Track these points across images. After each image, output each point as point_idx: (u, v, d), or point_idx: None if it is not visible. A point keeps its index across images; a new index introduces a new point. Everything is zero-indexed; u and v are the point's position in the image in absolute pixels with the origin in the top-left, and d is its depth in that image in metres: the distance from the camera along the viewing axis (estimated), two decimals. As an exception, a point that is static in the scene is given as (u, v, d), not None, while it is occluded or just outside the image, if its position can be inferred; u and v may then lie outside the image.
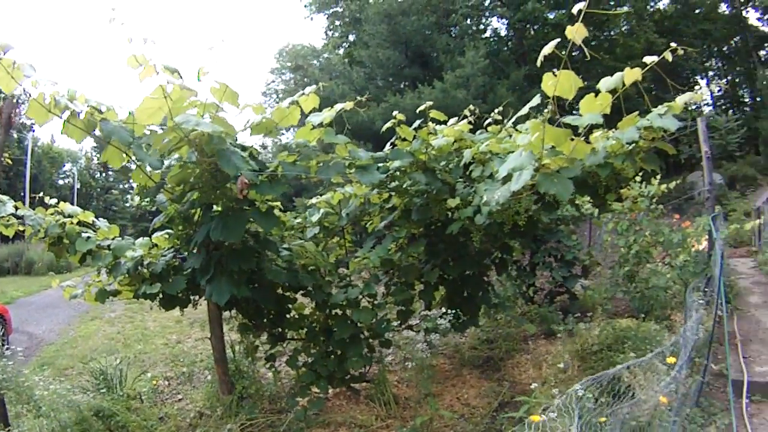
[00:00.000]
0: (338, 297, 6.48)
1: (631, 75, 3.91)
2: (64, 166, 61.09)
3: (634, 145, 5.04)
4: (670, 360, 4.98)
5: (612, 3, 34.76)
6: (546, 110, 4.05)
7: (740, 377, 6.91)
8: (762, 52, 39.38)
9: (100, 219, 6.64)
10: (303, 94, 5.35)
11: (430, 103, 5.90)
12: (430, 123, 6.06)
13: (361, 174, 5.48)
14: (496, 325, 8.73)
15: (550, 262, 10.96)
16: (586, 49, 3.48)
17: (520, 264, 11.28)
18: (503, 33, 41.24)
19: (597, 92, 4.13)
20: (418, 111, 5.89)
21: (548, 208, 6.32)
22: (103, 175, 60.98)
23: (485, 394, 6.92)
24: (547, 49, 3.61)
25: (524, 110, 4.98)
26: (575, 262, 11.13)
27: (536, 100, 4.67)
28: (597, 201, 6.19)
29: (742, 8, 38.66)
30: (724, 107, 38.89)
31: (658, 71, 3.95)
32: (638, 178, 10.58)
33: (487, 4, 39.47)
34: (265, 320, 7.03)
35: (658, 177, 10.73)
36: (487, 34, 41.05)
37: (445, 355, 8.73)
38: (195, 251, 5.94)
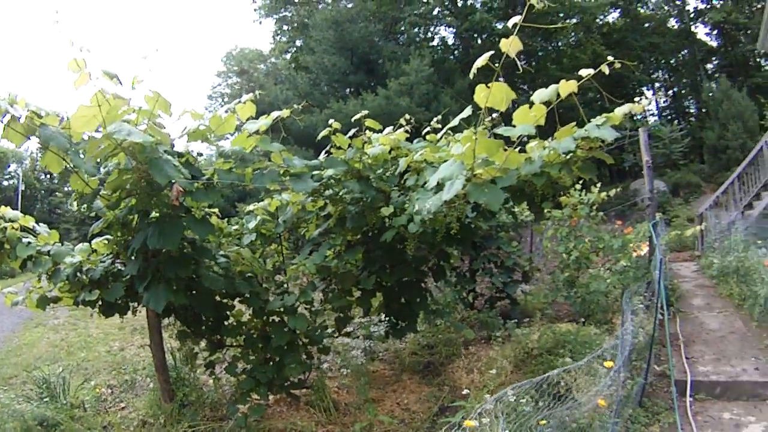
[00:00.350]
0: (275, 304, 6.50)
1: (566, 87, 3.97)
2: (9, 166, 59.73)
3: (571, 154, 5.10)
4: (608, 364, 5.11)
5: (561, 15, 35.25)
6: (486, 121, 4.11)
7: (684, 377, 7.13)
8: (709, 66, 40.45)
9: (40, 224, 6.52)
10: (239, 101, 5.37)
11: (366, 112, 5.97)
12: (367, 132, 6.12)
13: (295, 182, 5.51)
14: (436, 330, 8.80)
15: (490, 268, 11.05)
16: (519, 62, 3.56)
17: (459, 270, 11.36)
18: (450, 42, 41.58)
19: (531, 104, 4.18)
20: (353, 119, 5.93)
21: (485, 216, 6.43)
22: (48, 177, 59.73)
23: (425, 399, 6.99)
24: (480, 62, 3.69)
25: (455, 122, 5.04)
26: (515, 268, 11.24)
27: (467, 112, 4.74)
28: (534, 208, 6.30)
29: (692, 23, 39.61)
30: (669, 117, 39.71)
31: (596, 84, 4.04)
32: (578, 186, 10.80)
33: (435, 13, 39.79)
34: (203, 327, 7.00)
35: (599, 185, 10.95)
36: (435, 42, 41.43)
37: (386, 360, 8.79)
38: (133, 258, 5.89)
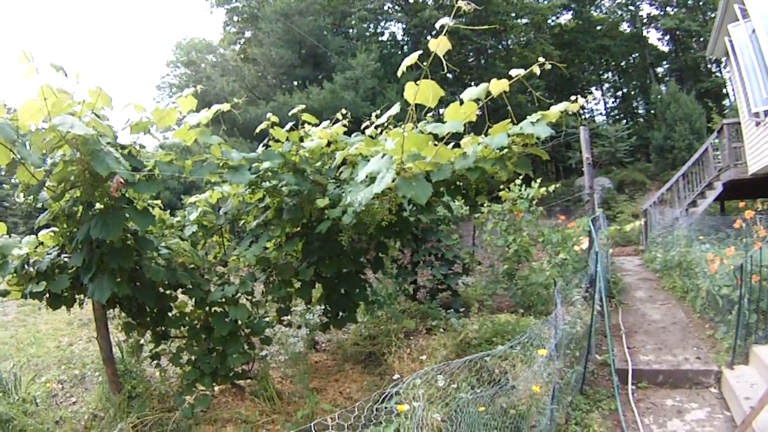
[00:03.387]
0: (216, 294, 6.58)
1: (497, 86, 4.04)
2: (-48, 160, 58.12)
3: (506, 150, 5.24)
4: (541, 352, 5.26)
5: (513, 15, 35.62)
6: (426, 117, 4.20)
7: (625, 366, 7.40)
8: (659, 69, 41.24)
9: (-15, 217, 6.57)
10: (181, 95, 5.45)
11: (303, 106, 6.06)
12: (306, 125, 6.24)
13: (232, 174, 5.60)
14: (378, 322, 8.93)
15: (431, 260, 11.31)
16: (447, 62, 3.60)
17: (401, 262, 11.63)
18: (399, 37, 41.69)
19: (462, 101, 4.22)
20: (291, 113, 6.05)
21: (425, 209, 6.58)
22: (-8, 171, 58.30)
23: (367, 388, 7.13)
24: (408, 61, 3.77)
25: (383, 119, 5.15)
26: (456, 261, 11.50)
27: (395, 109, 4.84)
28: (468, 202, 6.45)
29: (644, 28, 40.32)
30: (617, 117, 40.53)
31: (544, 83, 4.18)
32: (518, 181, 11.05)
33: (386, 8, 39.91)
34: (148, 319, 7.06)
35: (539, 180, 11.21)
36: (384, 37, 41.55)
37: (329, 351, 8.99)
38: (78, 250, 5.91)
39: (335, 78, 28.39)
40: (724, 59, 19.99)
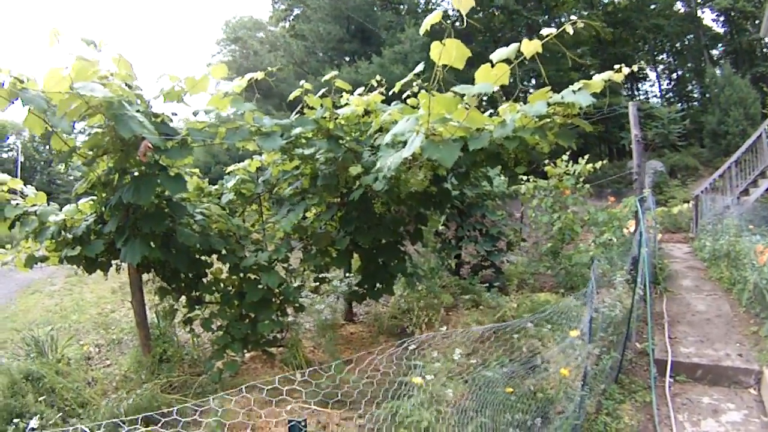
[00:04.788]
0: (249, 260, 6.58)
1: (529, 46, 3.89)
2: (7, 138, 59.62)
3: (547, 120, 5.11)
4: (573, 333, 5.07)
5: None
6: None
7: (664, 357, 7.10)
8: (714, 52, 39.99)
9: (28, 186, 6.74)
10: (212, 65, 5.50)
11: (336, 73, 5.98)
12: (345, 94, 6.16)
13: (263, 140, 5.58)
14: (418, 296, 8.82)
15: (476, 235, 11.12)
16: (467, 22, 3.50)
17: (445, 237, 11.46)
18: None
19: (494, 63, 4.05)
20: (323, 80, 5.95)
21: (459, 178, 6.46)
22: (47, 148, 59.64)
23: (398, 362, 7.05)
24: (431, 20, 3.65)
25: (408, 77, 5.02)
26: (500, 237, 11.29)
27: (420, 67, 4.73)
28: (507, 173, 6.30)
29: (698, 8, 39.16)
30: (672, 101, 39.43)
31: (577, 62, 4.01)
32: (565, 157, 10.81)
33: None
34: (182, 284, 7.17)
35: (586, 156, 10.96)
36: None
37: (365, 323, 8.92)
38: (114, 215, 6.06)
39: (384, 52, 28.16)
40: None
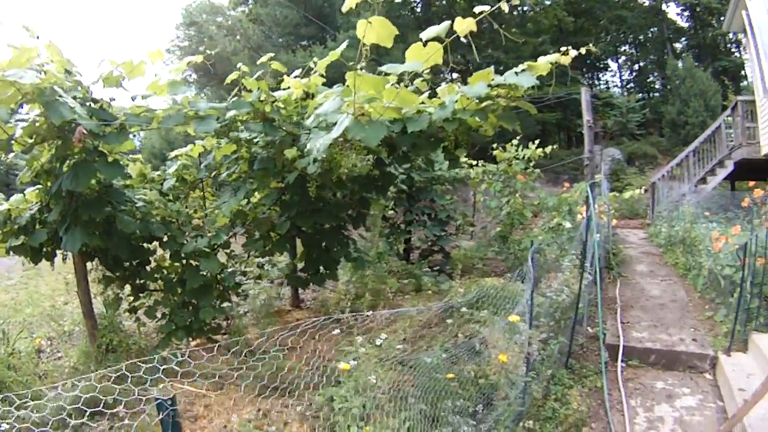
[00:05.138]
0: (189, 247, 6.50)
1: (462, 24, 3.75)
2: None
3: (489, 102, 5.08)
4: (513, 318, 5.01)
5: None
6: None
7: (616, 342, 7.13)
8: (677, 45, 40.40)
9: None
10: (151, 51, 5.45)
11: (272, 54, 5.92)
12: (285, 77, 6.09)
13: (198, 124, 5.52)
14: (366, 281, 8.78)
15: (424, 220, 11.11)
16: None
17: (393, 221, 11.45)
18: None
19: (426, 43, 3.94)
20: (258, 63, 5.87)
21: (399, 160, 6.42)
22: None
23: (341, 348, 6.98)
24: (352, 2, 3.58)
25: (328, 58, 4.95)
26: (449, 221, 11.32)
27: (344, 45, 4.67)
28: (448, 156, 6.27)
29: (663, 1, 39.46)
30: (632, 90, 39.79)
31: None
32: (515, 141, 10.81)
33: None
34: (126, 272, 7.06)
35: (536, 142, 10.98)
36: (397, -1, 40.65)
37: (312, 309, 8.81)
38: (57, 203, 6.01)
39: (338, 36, 27.82)
40: (743, 38, 19.53)
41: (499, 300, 6.44)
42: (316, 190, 6.62)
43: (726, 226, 9.67)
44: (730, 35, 33.67)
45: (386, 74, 4.32)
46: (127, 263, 6.99)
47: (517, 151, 11.05)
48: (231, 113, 5.73)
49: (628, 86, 42.20)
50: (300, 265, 8.04)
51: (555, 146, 12.27)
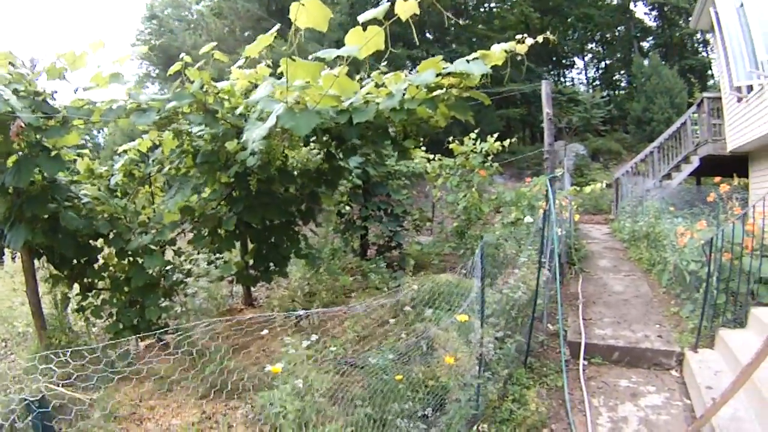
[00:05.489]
0: (133, 244, 6.38)
1: (404, 6, 3.52)
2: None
3: (440, 91, 4.95)
4: (461, 318, 4.80)
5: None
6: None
7: (578, 339, 6.95)
8: (644, 44, 40.76)
9: None
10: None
11: (215, 44, 5.78)
12: (233, 68, 5.93)
13: (138, 116, 5.41)
14: (318, 279, 8.65)
15: (380, 215, 10.87)
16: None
17: (350, 217, 11.24)
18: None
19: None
20: (201, 52, 5.72)
21: (346, 153, 6.28)
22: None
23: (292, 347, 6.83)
24: None
25: (257, 43, 4.78)
26: (405, 217, 11.12)
27: (274, 29, 4.55)
28: (396, 147, 6.16)
29: (631, 1, 39.79)
30: (598, 87, 40.22)
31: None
32: (473, 135, 10.68)
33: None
34: (73, 270, 6.90)
35: (495, 135, 10.86)
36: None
37: (264, 307, 8.66)
38: (2, 200, 5.85)
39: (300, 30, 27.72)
40: (710, 38, 19.70)
41: (453, 297, 6.31)
42: (265, 184, 6.52)
43: (691, 221, 9.54)
44: (698, 35, 34.17)
45: (322, 59, 4.16)
46: (75, 261, 6.82)
47: (475, 144, 10.92)
48: (171, 104, 5.54)
49: (594, 83, 42.71)
50: (251, 262, 7.89)
51: (515, 140, 12.04)
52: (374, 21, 3.66)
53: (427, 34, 33.90)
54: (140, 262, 6.60)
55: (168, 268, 6.76)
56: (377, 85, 5.34)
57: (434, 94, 4.99)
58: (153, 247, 6.43)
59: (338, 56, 3.96)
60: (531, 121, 33.90)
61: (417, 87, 4.86)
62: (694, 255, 7.78)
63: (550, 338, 7.28)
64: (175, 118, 5.88)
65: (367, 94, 5.22)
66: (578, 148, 27.17)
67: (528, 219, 9.58)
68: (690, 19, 17.36)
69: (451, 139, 11.05)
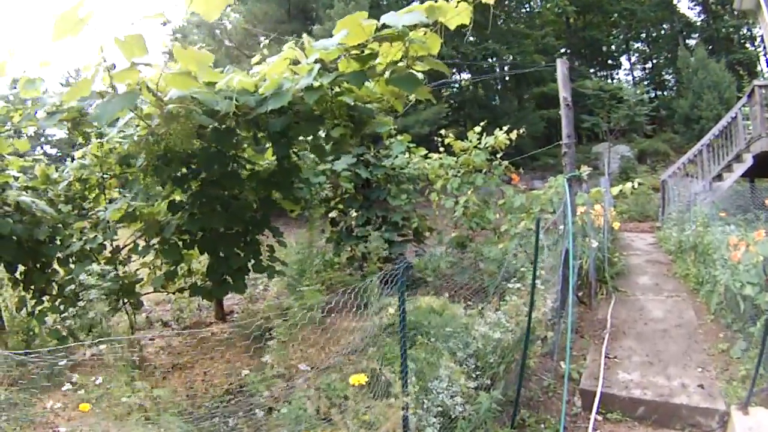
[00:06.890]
0: (72, 249, 6.43)
1: None
2: None
3: (373, 61, 4.29)
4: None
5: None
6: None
7: (594, 386, 5.51)
8: (690, 41, 39.51)
9: None
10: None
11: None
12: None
13: (46, 120, 5.34)
14: (295, 296, 7.78)
15: (379, 223, 9.68)
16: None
17: (347, 225, 10.03)
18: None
19: None
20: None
21: (281, 148, 5.68)
22: None
23: (236, 374, 6.05)
24: None
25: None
26: (404, 225, 9.87)
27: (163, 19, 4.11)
28: (327, 140, 5.59)
29: (674, -6, 38.76)
30: (643, 86, 39.12)
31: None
32: (477, 129, 9.43)
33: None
34: (24, 276, 6.83)
35: (505, 128, 9.57)
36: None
37: (235, 322, 8.03)
38: None
39: (314, 30, 27.10)
40: (758, 30, 18.56)
41: (433, 327, 5.37)
42: (211, 188, 6.10)
43: (746, 229, 8.03)
44: (744, 30, 32.56)
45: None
46: (26, 267, 6.76)
47: (479, 139, 9.46)
48: (71, 104, 5.34)
49: (642, 84, 41.50)
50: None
51: (522, 131, 10.08)
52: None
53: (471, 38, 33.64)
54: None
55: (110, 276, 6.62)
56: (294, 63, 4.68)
57: (365, 66, 4.29)
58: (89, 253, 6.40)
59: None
60: (576, 124, 32.58)
61: (347, 60, 4.19)
62: (751, 275, 6.25)
63: (559, 382, 5.81)
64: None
65: (284, 75, 4.59)
66: (623, 150, 26.48)
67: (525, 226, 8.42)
68: (735, 12, 16.24)
69: (443, 132, 9.93)
